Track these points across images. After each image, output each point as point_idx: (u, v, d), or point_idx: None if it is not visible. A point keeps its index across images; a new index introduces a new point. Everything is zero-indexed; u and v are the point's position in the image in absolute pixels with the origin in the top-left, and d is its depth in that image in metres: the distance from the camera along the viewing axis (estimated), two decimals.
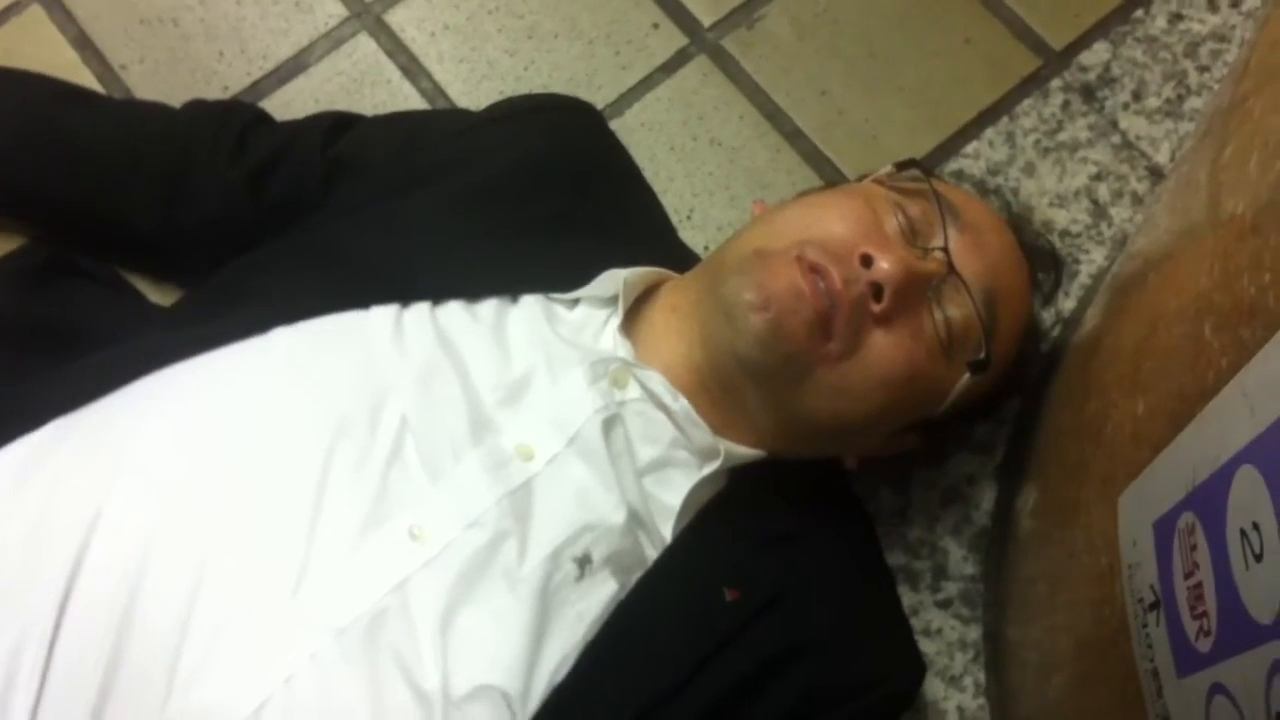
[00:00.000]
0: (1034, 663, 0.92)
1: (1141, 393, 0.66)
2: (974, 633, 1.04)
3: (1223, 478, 0.50)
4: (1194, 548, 0.53)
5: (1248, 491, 0.48)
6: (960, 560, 1.06)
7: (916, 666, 0.95)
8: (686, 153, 1.19)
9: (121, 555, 0.77)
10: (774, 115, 1.21)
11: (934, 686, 1.02)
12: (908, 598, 1.04)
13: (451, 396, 0.84)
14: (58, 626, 0.75)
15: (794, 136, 1.20)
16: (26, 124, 1.07)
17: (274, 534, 0.78)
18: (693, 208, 1.17)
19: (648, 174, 1.15)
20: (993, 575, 1.04)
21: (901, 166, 0.96)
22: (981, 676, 1.03)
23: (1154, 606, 0.59)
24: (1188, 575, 0.54)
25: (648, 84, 1.22)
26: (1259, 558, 0.47)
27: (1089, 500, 0.75)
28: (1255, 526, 0.47)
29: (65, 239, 1.08)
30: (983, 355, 0.88)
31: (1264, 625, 0.47)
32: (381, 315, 0.88)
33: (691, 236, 1.15)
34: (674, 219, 1.15)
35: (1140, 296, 0.75)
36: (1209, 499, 0.51)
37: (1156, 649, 0.58)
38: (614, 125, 1.16)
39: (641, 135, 1.19)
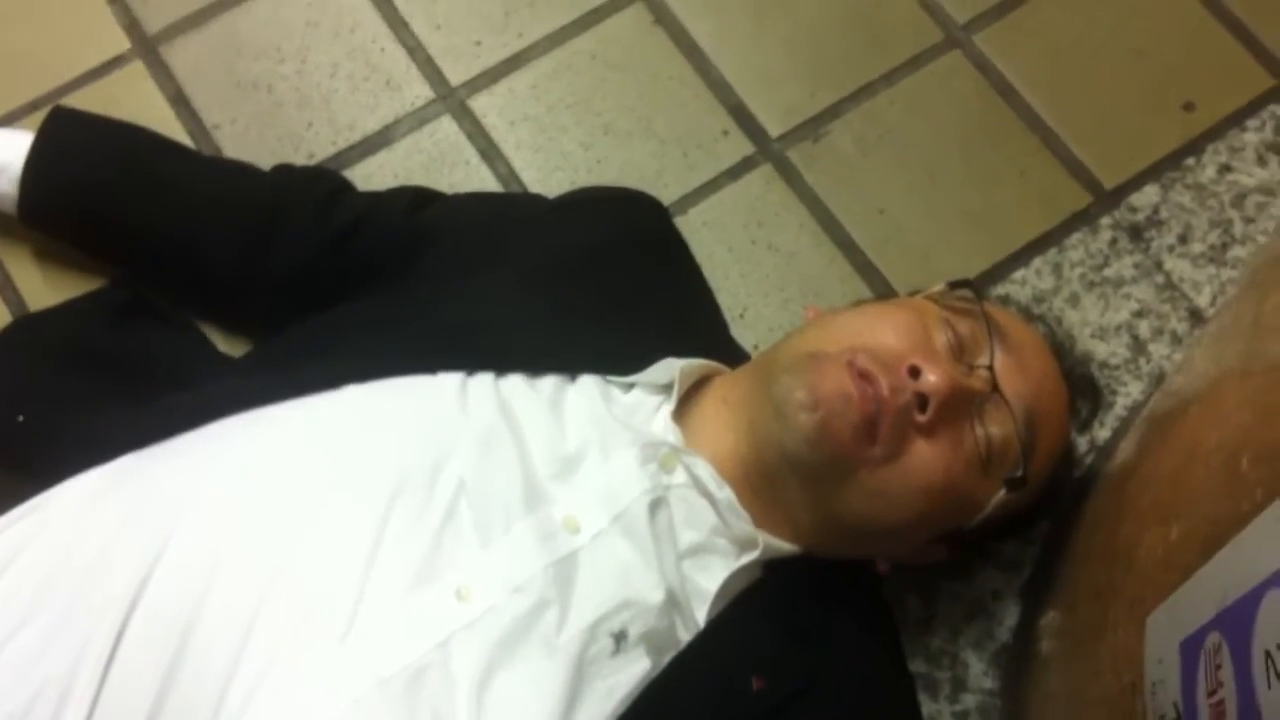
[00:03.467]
0: None
1: (1175, 519, 0.69)
2: None
3: (1252, 600, 0.53)
4: (1219, 667, 0.56)
5: (1274, 615, 0.51)
6: (980, 674, 1.08)
7: None
8: (744, 254, 1.24)
9: (183, 585, 0.80)
10: (831, 226, 1.26)
11: None
12: (926, 706, 1.06)
13: (508, 464, 0.87)
14: (115, 648, 0.78)
15: (848, 248, 1.25)
16: (121, 165, 1.12)
17: (329, 580, 0.81)
18: (746, 306, 1.21)
19: (706, 271, 1.19)
20: (1010, 691, 1.06)
21: (954, 286, 1.00)
22: None
23: None
24: (1211, 693, 0.57)
25: (713, 186, 1.27)
26: None
27: (1116, 621, 0.77)
28: None
29: (146, 280, 1.13)
30: (1020, 473, 0.91)
31: None
32: (448, 381, 0.91)
33: (743, 334, 1.19)
34: (727, 316, 1.18)
35: (1179, 428, 0.78)
36: (1237, 620, 0.54)
37: None
38: (677, 222, 1.21)
39: (702, 234, 1.24)
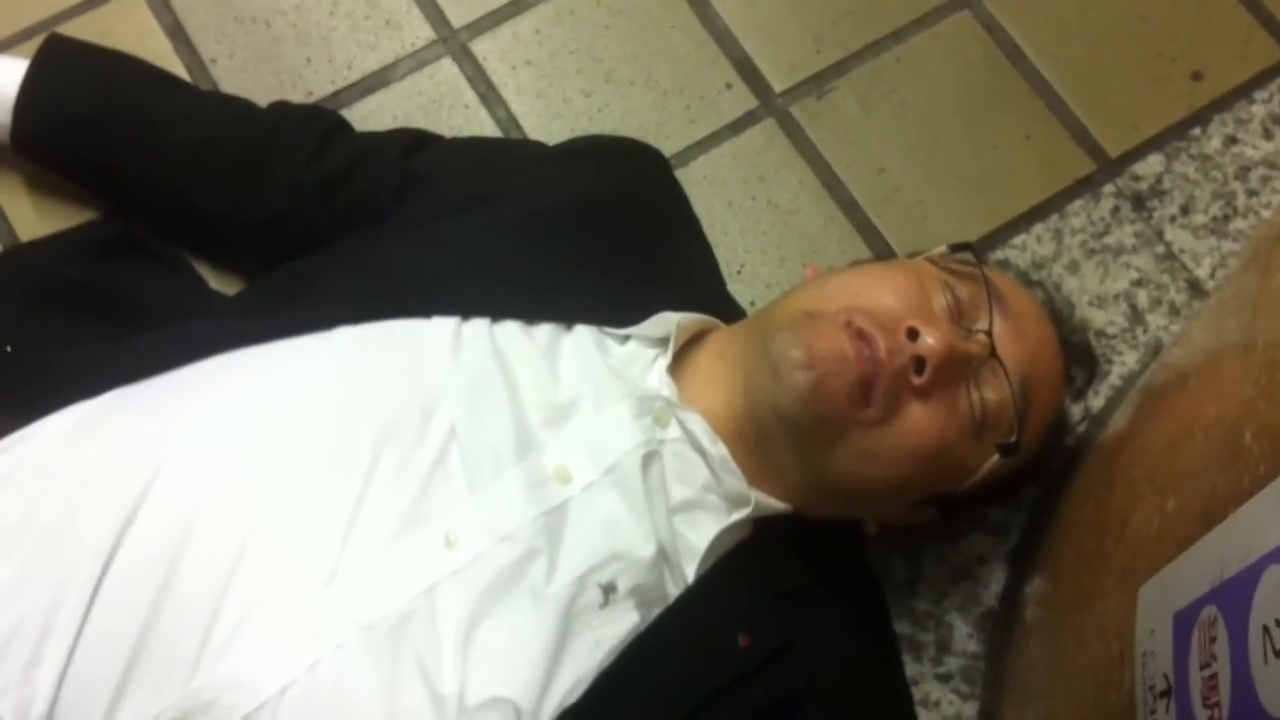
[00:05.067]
0: None
1: (1172, 491, 0.69)
2: (971, 709, 1.06)
3: (1250, 575, 0.53)
4: (1213, 640, 0.55)
5: (1274, 590, 0.51)
6: (964, 637, 1.08)
7: None
8: (743, 210, 1.23)
9: (168, 522, 0.80)
10: (832, 185, 1.25)
11: None
12: (910, 667, 1.06)
13: (500, 410, 0.87)
14: (98, 586, 0.78)
15: (849, 207, 1.24)
16: (114, 99, 1.11)
17: (315, 522, 0.81)
18: (744, 263, 1.21)
19: (704, 225, 1.18)
20: (994, 656, 1.06)
21: (955, 249, 0.99)
22: None
23: (1165, 694, 0.61)
24: (1204, 666, 0.56)
25: (714, 140, 1.26)
26: (1279, 654, 0.50)
27: (1105, 589, 0.77)
28: (1278, 623, 0.50)
29: (137, 215, 1.12)
30: (1013, 439, 0.91)
31: (1276, 718, 0.50)
32: (441, 325, 0.91)
33: (740, 290, 1.18)
34: (725, 271, 1.18)
35: (1176, 399, 0.78)
36: (1234, 594, 0.54)
37: None
38: (677, 174, 1.20)
39: (702, 188, 1.23)
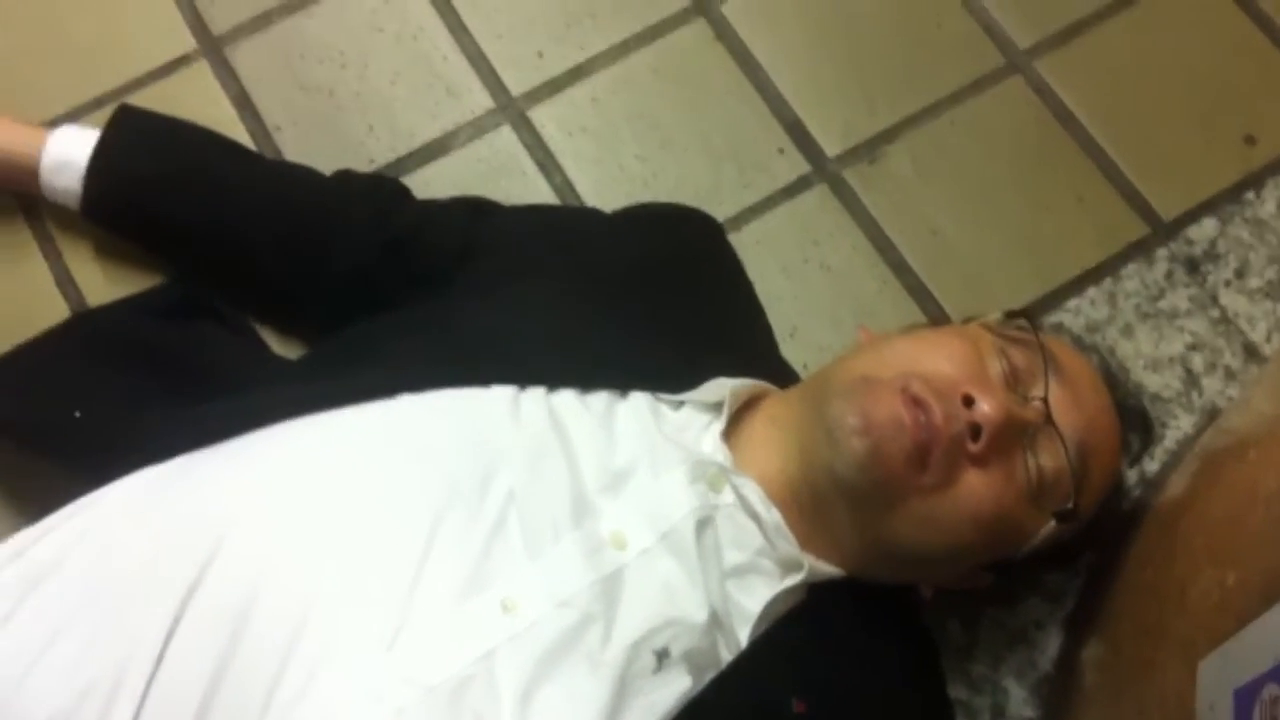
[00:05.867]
0: None
1: (1232, 565, 0.69)
2: None
3: None
4: (1275, 718, 0.55)
5: None
6: (1020, 702, 1.07)
7: None
8: (796, 273, 1.24)
9: (233, 589, 0.81)
10: (884, 248, 1.25)
11: None
12: None
13: (558, 477, 0.88)
14: (164, 651, 0.79)
15: (901, 270, 1.24)
16: (182, 165, 1.14)
17: (378, 587, 0.82)
18: (796, 326, 1.21)
19: (757, 289, 1.19)
20: None
21: (1011, 315, 0.99)
22: None
23: None
24: None
25: (767, 204, 1.27)
26: None
27: (1165, 661, 0.77)
28: None
29: (203, 280, 1.14)
30: (1070, 506, 0.91)
31: None
32: (500, 393, 0.92)
33: (792, 353, 1.18)
34: (778, 335, 1.18)
35: (1236, 470, 0.78)
36: None
37: None
38: (731, 239, 1.21)
39: (755, 252, 1.24)
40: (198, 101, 1.27)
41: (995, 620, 1.10)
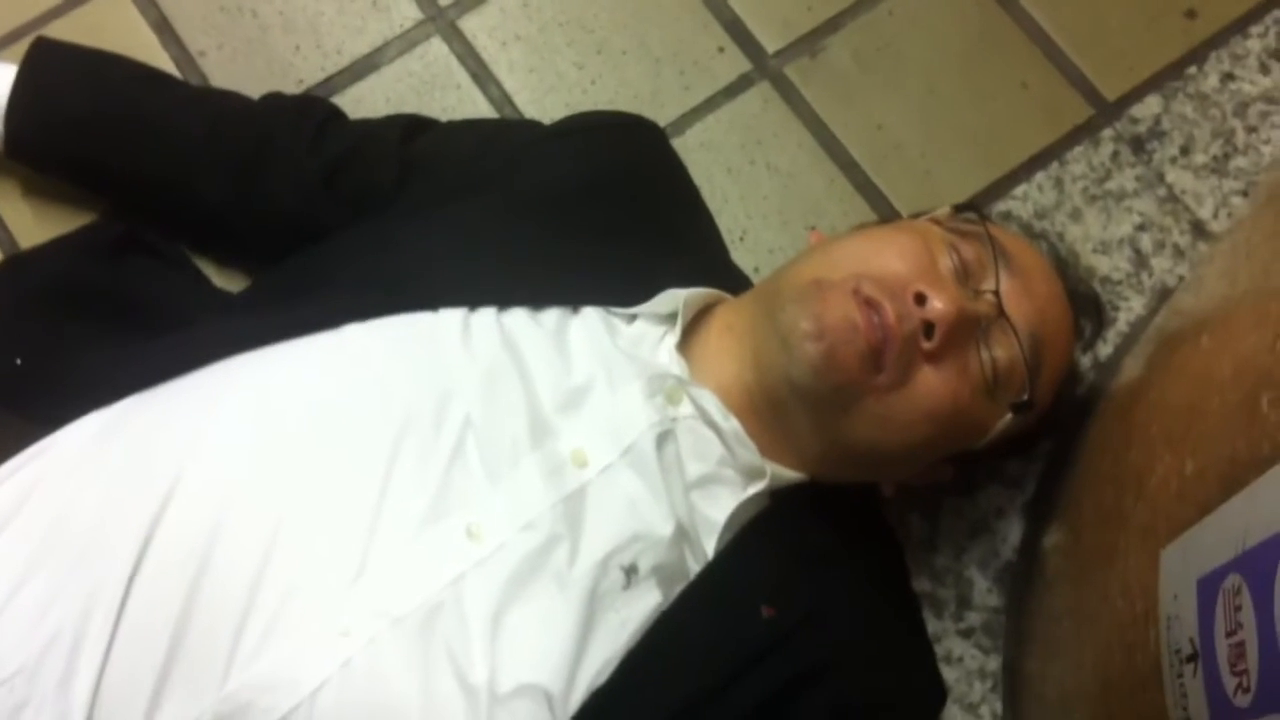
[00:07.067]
0: (1053, 697, 0.95)
1: (1190, 453, 0.69)
2: (993, 663, 1.07)
3: (1274, 545, 0.53)
4: (1239, 608, 0.56)
5: None
6: (984, 591, 1.09)
7: (939, 690, 1.00)
8: (742, 176, 1.22)
9: (193, 528, 0.80)
10: (830, 145, 1.24)
11: (952, 713, 1.05)
12: (931, 624, 1.07)
13: (514, 399, 0.87)
14: (126, 596, 0.78)
15: (849, 167, 1.23)
16: (105, 99, 1.10)
17: (340, 520, 0.81)
18: (745, 230, 1.20)
19: (704, 194, 1.17)
20: (1015, 609, 1.07)
21: (959, 209, 0.99)
22: (998, 706, 1.06)
23: (1191, 659, 0.62)
24: (1230, 634, 0.57)
25: (709, 106, 1.25)
26: None
27: (1126, 547, 0.78)
28: None
29: (136, 214, 1.11)
30: (1026, 397, 0.91)
31: None
32: (450, 317, 0.91)
33: (743, 258, 1.18)
34: (727, 239, 1.17)
35: (1191, 356, 0.78)
36: (1258, 563, 0.54)
37: (1191, 700, 0.61)
38: (674, 144, 1.19)
39: (699, 155, 1.22)
40: (117, 30, 1.23)
41: (956, 510, 1.12)
